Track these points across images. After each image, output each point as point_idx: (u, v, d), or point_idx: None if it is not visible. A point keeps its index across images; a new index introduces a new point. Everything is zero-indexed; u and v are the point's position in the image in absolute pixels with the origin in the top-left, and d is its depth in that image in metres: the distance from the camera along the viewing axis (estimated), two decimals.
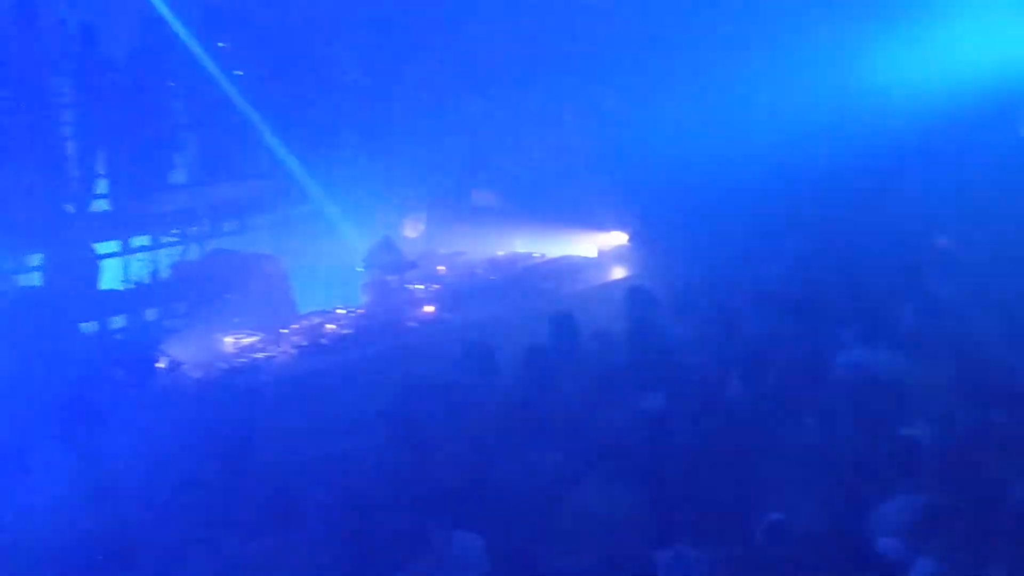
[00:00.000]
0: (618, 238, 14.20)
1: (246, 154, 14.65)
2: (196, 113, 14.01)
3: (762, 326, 10.06)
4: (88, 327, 12.11)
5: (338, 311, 12.22)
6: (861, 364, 8.62)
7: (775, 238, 12.60)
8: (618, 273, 13.51)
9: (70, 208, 12.85)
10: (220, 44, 13.93)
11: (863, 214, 12.60)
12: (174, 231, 13.75)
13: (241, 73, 14.07)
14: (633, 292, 10.66)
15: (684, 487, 7.20)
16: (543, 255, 13.87)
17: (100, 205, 13.25)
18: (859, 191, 13.02)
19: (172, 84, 13.72)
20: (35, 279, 12.01)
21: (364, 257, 13.18)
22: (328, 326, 11.78)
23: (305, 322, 11.94)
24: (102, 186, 13.22)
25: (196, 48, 13.69)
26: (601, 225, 14.13)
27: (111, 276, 12.82)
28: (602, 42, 14.64)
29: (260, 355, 11.09)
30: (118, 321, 12.57)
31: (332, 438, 8.70)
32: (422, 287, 12.82)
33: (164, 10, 13.62)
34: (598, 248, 14.05)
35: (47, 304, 11.20)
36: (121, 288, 12.79)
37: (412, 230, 13.72)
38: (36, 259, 12.14)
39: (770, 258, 11.95)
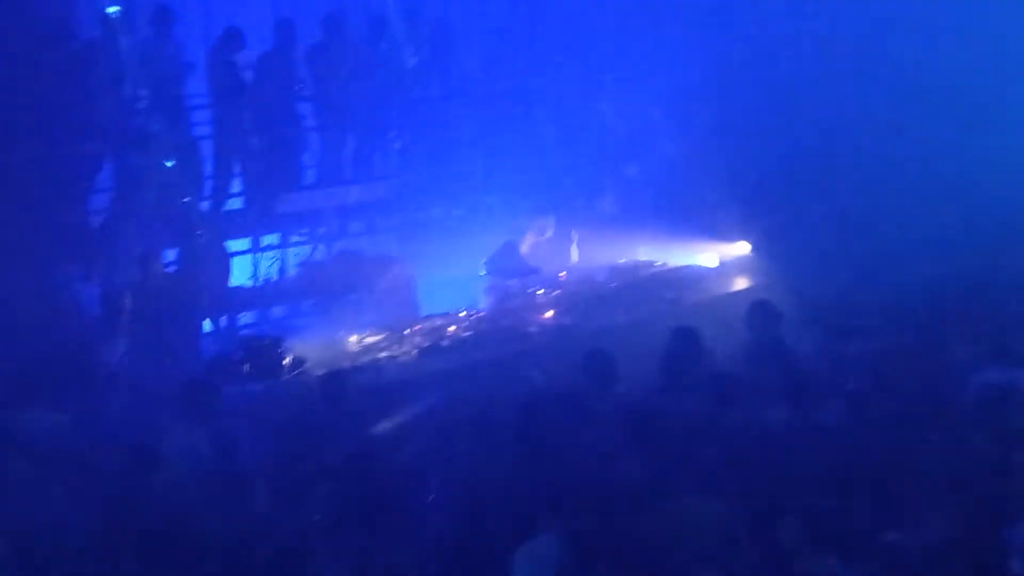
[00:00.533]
0: (741, 248, 14.05)
1: (375, 157, 14.78)
2: (326, 115, 14.15)
3: (887, 340, 9.82)
4: (218, 322, 12.32)
5: (460, 314, 12.20)
6: (992, 382, 8.33)
7: (903, 250, 12.32)
8: (740, 284, 13.33)
9: (205, 206, 13.09)
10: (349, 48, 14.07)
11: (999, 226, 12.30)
12: (303, 231, 13.93)
13: (370, 75, 14.17)
14: (755, 303, 10.46)
15: (806, 502, 7.01)
16: (665, 264, 13.70)
17: (233, 204, 13.49)
18: (995, 203, 12.71)
19: (302, 86, 13.87)
20: (169, 273, 12.21)
21: (486, 261, 13.20)
22: (450, 328, 11.82)
23: (427, 324, 11.98)
24: (235, 185, 13.45)
25: (326, 50, 13.83)
26: (724, 235, 13.99)
27: (241, 273, 13.03)
28: (725, 46, 14.51)
29: (383, 355, 11.13)
30: (246, 317, 12.79)
31: (450, 438, 8.64)
32: (543, 292, 12.77)
33: (294, 13, 13.82)
34: (720, 258, 13.89)
35: (180, 298, 11.39)
36: (250, 285, 12.99)
37: (536, 236, 13.66)
38: (171, 254, 12.34)
39: (898, 271, 11.70)
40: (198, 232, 12.11)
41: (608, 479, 7.73)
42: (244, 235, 13.30)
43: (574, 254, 13.88)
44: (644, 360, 9.44)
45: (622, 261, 13.80)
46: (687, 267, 13.69)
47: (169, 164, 12.32)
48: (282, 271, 13.22)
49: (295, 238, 13.86)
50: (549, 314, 12.26)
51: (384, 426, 9.06)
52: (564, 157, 14.88)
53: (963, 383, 8.33)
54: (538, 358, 10.68)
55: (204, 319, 11.99)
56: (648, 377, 9.26)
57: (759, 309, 10.30)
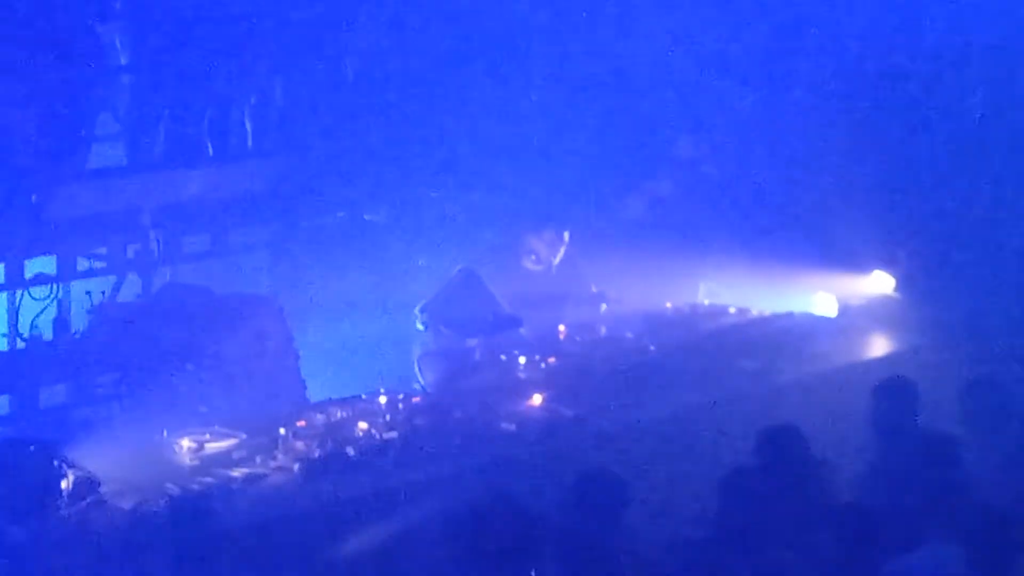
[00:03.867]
0: (877, 284, 14.15)
1: (231, 118, 14.80)
2: (141, 50, 14.11)
3: None
4: None
5: (378, 399, 12.18)
6: None
7: None
8: (877, 347, 13.35)
9: None
10: None
11: None
12: (98, 250, 13.92)
13: None
14: (902, 384, 10.52)
15: None
16: (742, 310, 13.85)
17: None
18: None
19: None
20: None
21: (426, 304, 13.31)
22: (359, 425, 11.75)
23: (319, 416, 11.90)
24: None
25: None
26: (847, 260, 14.08)
27: None
28: None
29: (238, 472, 11.06)
30: None
31: None
32: (526, 361, 12.85)
33: None
34: (839, 301, 13.97)
35: None
36: (2, 347, 12.98)
37: (519, 258, 13.83)
38: None
39: None
40: None
41: None
42: None
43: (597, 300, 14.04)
44: (704, 488, 9.52)
45: (668, 306, 13.93)
46: (783, 317, 13.78)
47: None
48: (60, 323, 13.23)
49: (85, 264, 13.88)
50: (537, 399, 12.25)
51: None
52: (569, 124, 15.10)
53: None
54: (518, 485, 10.60)
55: None
56: (714, 523, 9.34)
57: (907, 392, 10.45)
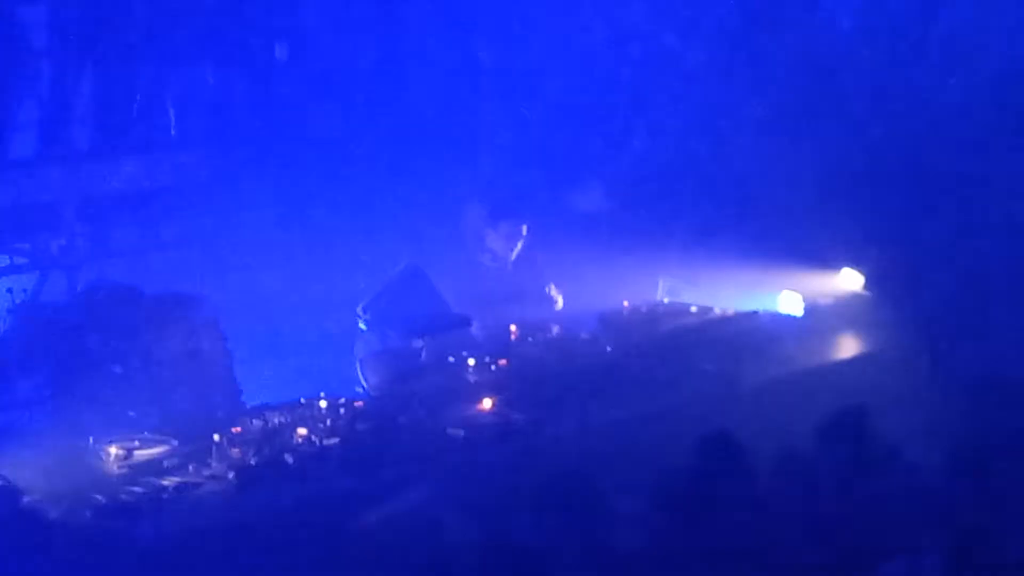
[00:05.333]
0: (846, 281, 14.23)
1: (161, 107, 14.80)
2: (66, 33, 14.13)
3: None
4: None
5: (317, 403, 12.19)
6: None
7: None
8: (845, 348, 13.43)
9: None
10: None
11: None
12: (19, 245, 14.00)
13: None
14: (870, 387, 10.57)
15: None
16: (705, 308, 13.83)
17: None
18: None
19: None
20: None
21: (369, 303, 13.36)
22: (298, 431, 11.77)
23: (255, 421, 11.91)
24: None
25: None
26: (816, 258, 14.14)
27: None
28: None
29: (170, 481, 11.07)
30: None
31: None
32: (476, 362, 12.90)
33: None
34: (805, 300, 14.02)
35: None
36: None
37: (472, 250, 13.88)
38: None
39: None
40: None
41: None
42: None
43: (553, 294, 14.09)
44: (660, 497, 9.54)
45: (625, 304, 13.92)
46: (746, 315, 13.81)
47: None
48: None
49: (5, 260, 13.94)
50: (487, 404, 12.29)
51: None
52: (523, 115, 15.21)
53: None
54: (465, 493, 10.71)
55: None
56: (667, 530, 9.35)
57: (874, 396, 10.47)
